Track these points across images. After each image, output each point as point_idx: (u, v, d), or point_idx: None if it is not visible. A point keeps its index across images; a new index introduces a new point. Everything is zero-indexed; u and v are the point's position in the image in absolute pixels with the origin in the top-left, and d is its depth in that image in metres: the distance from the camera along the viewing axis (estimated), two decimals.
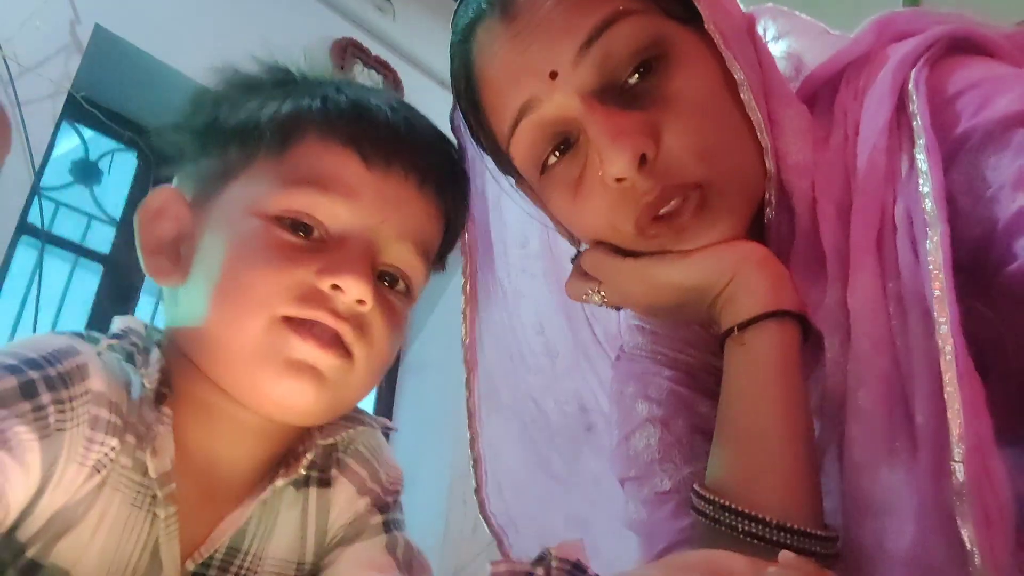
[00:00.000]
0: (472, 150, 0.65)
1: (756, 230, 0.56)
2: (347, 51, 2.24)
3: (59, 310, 1.93)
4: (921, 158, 0.48)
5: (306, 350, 0.51)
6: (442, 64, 2.53)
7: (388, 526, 0.60)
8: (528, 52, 0.53)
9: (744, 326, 0.52)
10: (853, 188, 0.52)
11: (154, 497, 0.51)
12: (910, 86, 0.50)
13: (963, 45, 0.54)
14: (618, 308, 0.64)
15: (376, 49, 2.32)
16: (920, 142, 0.48)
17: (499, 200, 0.68)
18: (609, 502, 0.69)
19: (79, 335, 0.53)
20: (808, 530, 0.47)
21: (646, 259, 0.56)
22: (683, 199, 0.52)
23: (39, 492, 0.47)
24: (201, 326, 0.53)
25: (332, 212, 0.53)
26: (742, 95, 0.52)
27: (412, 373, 2.41)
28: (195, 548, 0.53)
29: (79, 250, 1.94)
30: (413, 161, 0.57)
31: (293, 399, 0.52)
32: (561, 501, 0.73)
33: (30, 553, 0.48)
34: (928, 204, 0.46)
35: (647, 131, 0.50)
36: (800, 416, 0.50)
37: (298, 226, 0.53)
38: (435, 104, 2.27)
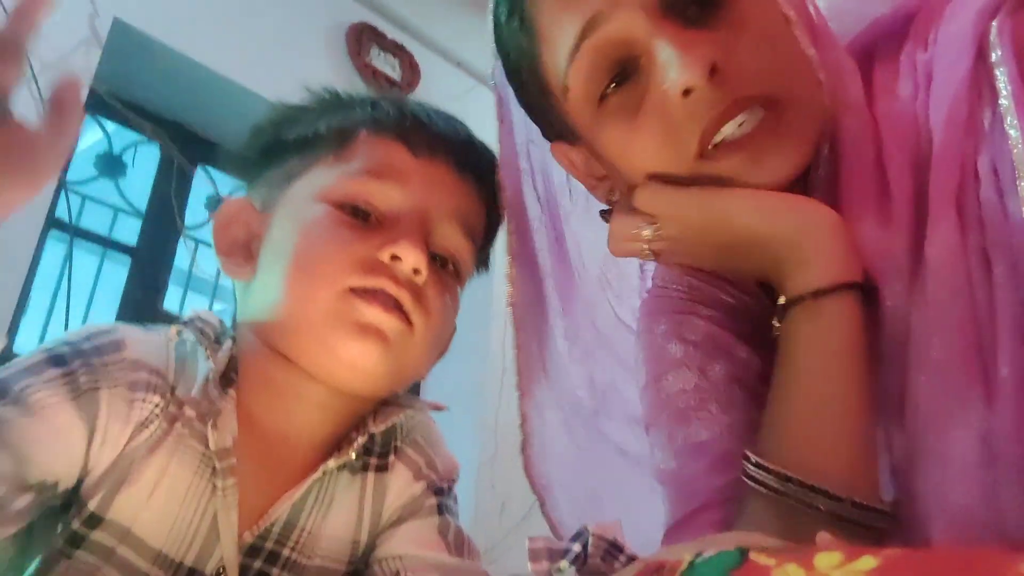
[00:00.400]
0: (513, 114, 0.64)
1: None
2: (363, 35, 2.24)
3: (89, 302, 1.96)
4: (1007, 106, 0.46)
5: (372, 313, 0.57)
6: (458, 46, 2.51)
7: (441, 509, 0.64)
8: None
9: (819, 295, 0.50)
10: (929, 139, 0.50)
11: (215, 469, 0.57)
12: (992, 37, 0.49)
13: None
14: (661, 259, 0.61)
15: (392, 33, 2.32)
16: (1005, 92, 0.47)
17: (546, 154, 0.67)
18: (619, 483, 0.69)
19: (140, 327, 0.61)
20: (873, 505, 0.47)
21: (717, 190, 0.53)
22: (754, 118, 0.50)
23: (88, 446, 0.53)
24: (274, 306, 0.59)
25: (386, 196, 0.60)
26: (795, 32, 0.51)
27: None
28: (254, 521, 0.58)
29: (107, 243, 1.97)
30: (454, 152, 0.64)
31: (361, 359, 0.57)
32: (584, 472, 0.72)
33: (92, 505, 0.54)
34: (1018, 154, 0.45)
35: (716, 43, 0.49)
36: (866, 390, 0.49)
37: (357, 212, 0.60)
38: (452, 86, 2.29)
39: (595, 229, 0.67)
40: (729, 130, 0.50)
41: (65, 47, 1.64)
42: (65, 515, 0.55)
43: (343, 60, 2.19)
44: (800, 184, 0.54)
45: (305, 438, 0.61)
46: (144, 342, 0.59)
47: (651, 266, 0.69)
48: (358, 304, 0.57)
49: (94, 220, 1.98)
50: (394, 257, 0.58)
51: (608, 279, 0.73)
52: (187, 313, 0.63)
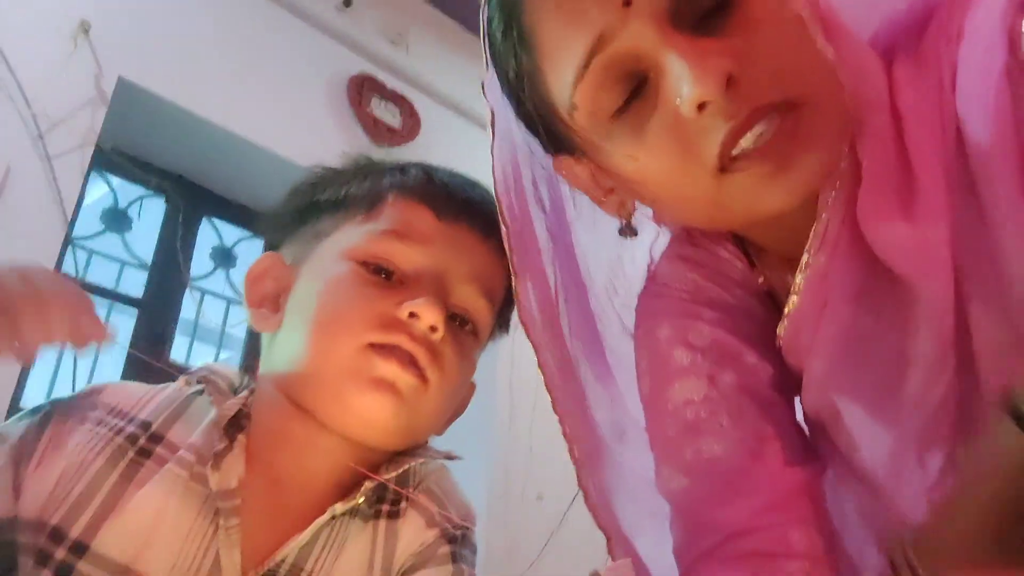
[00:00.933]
0: (512, 132, 0.61)
1: None
2: (363, 86, 2.29)
3: (96, 354, 1.97)
4: None
5: (387, 368, 0.59)
6: (458, 92, 2.55)
7: (455, 557, 0.63)
8: None
9: None
10: (957, 131, 0.47)
11: (218, 510, 0.58)
12: (1023, 29, 0.45)
13: None
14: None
15: (392, 83, 2.36)
16: None
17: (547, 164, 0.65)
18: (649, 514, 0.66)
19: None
20: None
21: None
22: (773, 122, 0.47)
23: (15, 468, 0.57)
24: (296, 358, 0.61)
25: (408, 256, 0.63)
26: (810, 30, 0.47)
27: None
28: (259, 562, 0.59)
29: (113, 296, 1.99)
30: (477, 216, 0.66)
31: (374, 412, 0.59)
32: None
33: (74, 533, 0.55)
34: None
35: (729, 52, 0.46)
36: None
37: (380, 270, 0.63)
38: (453, 131, 2.32)
39: (600, 236, 0.67)
40: (747, 142, 0.47)
41: (72, 105, 1.67)
42: (44, 553, 0.56)
43: (345, 111, 2.23)
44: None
45: (316, 483, 0.62)
46: (126, 389, 0.63)
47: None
48: (375, 359, 0.59)
49: (101, 274, 2.00)
50: (412, 314, 0.60)
51: (615, 287, 0.71)
52: (199, 365, 0.65)
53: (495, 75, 0.58)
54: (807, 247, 0.53)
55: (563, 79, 0.51)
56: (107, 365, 1.93)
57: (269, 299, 0.66)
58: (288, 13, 2.16)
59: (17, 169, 1.57)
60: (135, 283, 2.01)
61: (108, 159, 1.78)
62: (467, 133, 2.41)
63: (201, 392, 0.64)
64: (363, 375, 0.59)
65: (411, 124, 2.36)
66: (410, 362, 0.59)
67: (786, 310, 0.56)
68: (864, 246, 0.50)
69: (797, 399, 0.61)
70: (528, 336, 0.64)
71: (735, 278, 0.62)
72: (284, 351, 0.63)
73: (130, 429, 0.60)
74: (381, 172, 0.69)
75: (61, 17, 1.70)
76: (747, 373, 0.58)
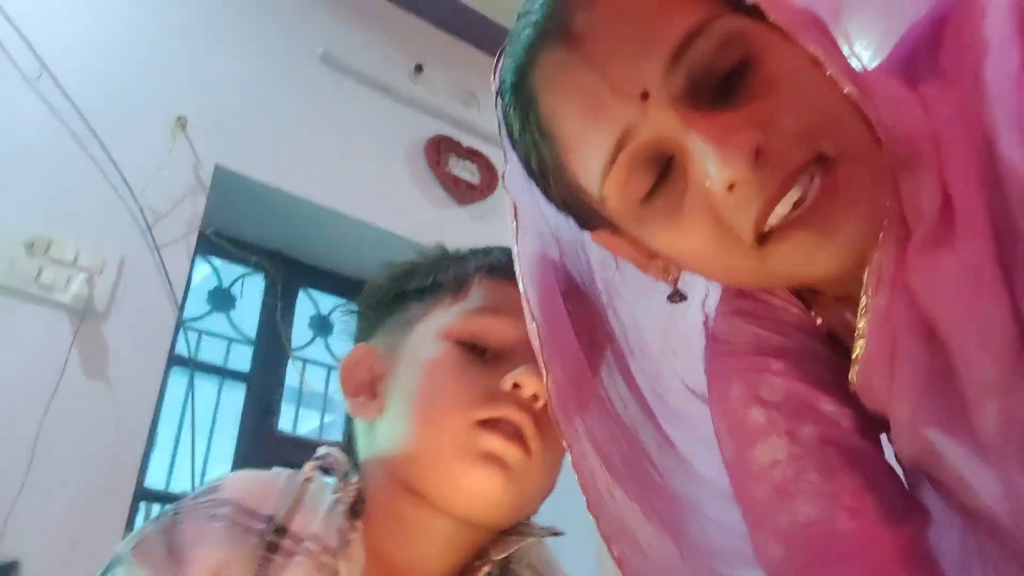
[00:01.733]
0: (537, 223, 0.62)
1: None
2: (440, 147, 2.35)
3: (211, 429, 2.06)
4: None
5: (494, 443, 0.60)
6: None
7: None
8: (611, 75, 0.47)
9: None
10: (988, 140, 0.44)
11: None
12: None
13: None
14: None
15: (467, 141, 2.42)
16: None
17: (583, 245, 0.67)
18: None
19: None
20: None
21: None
22: (813, 189, 0.45)
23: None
24: (403, 441, 0.62)
25: (502, 330, 0.65)
26: (828, 71, 0.46)
27: None
28: None
29: (223, 372, 2.08)
30: None
31: (483, 487, 0.60)
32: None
33: None
34: None
35: (754, 123, 0.45)
36: None
37: (475, 347, 0.64)
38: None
39: (650, 295, 0.64)
40: (784, 208, 0.46)
41: (175, 196, 1.78)
42: None
43: (425, 172, 2.29)
44: None
45: (430, 569, 0.63)
46: (244, 482, 0.62)
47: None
48: (481, 434, 0.60)
49: (211, 352, 2.10)
50: (515, 385, 0.61)
51: (673, 348, 0.70)
52: (319, 452, 0.66)
53: (516, 165, 0.58)
54: (863, 289, 0.50)
55: (590, 172, 0.50)
56: (222, 441, 2.01)
57: (365, 387, 0.68)
58: (364, 86, 2.25)
59: (130, 260, 1.68)
60: (242, 358, 2.10)
61: (210, 242, 1.87)
62: None
63: (311, 479, 0.64)
64: (471, 451, 0.60)
65: (489, 178, 2.41)
66: (515, 434, 0.60)
67: (854, 355, 0.53)
68: None
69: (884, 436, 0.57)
70: (562, 430, 0.60)
71: (793, 323, 0.59)
72: (389, 435, 0.64)
73: (258, 526, 0.59)
74: (465, 257, 0.72)
75: (160, 116, 1.82)
76: (827, 423, 0.55)
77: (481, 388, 0.61)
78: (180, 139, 1.83)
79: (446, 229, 2.21)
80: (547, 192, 0.57)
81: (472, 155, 2.42)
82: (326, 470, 0.65)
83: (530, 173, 0.57)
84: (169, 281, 1.70)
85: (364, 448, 0.68)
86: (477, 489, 0.60)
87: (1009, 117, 0.43)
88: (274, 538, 0.59)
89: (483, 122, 2.47)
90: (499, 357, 0.64)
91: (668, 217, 0.49)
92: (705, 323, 0.68)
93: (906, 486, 0.57)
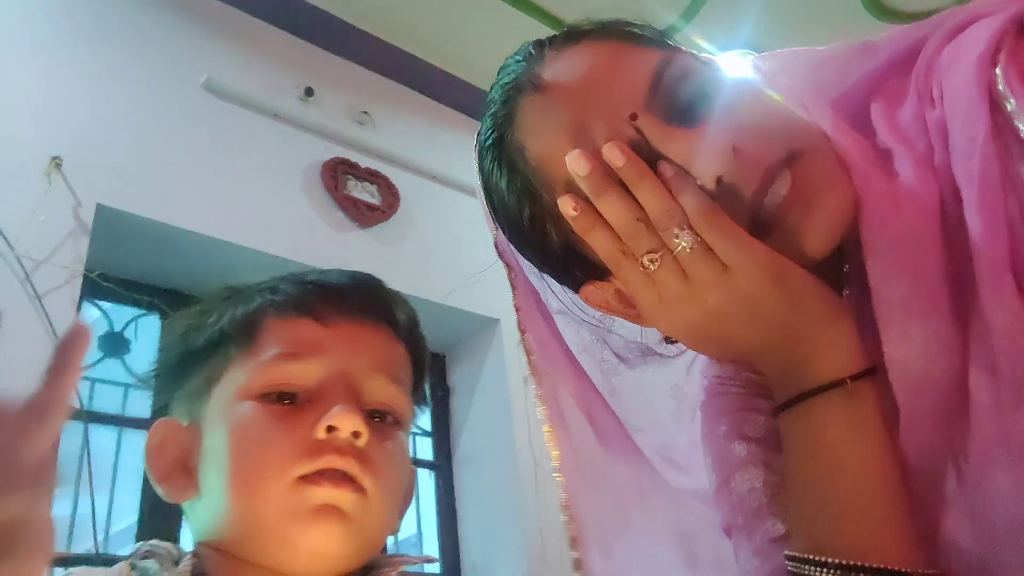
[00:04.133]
0: (526, 272, 0.64)
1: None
2: (337, 169, 2.31)
3: (113, 481, 1.94)
4: None
5: (323, 494, 0.56)
6: (430, 160, 2.58)
7: None
8: (594, 106, 0.53)
9: (794, 403, 0.51)
10: (956, 201, 0.48)
11: None
12: (1000, 86, 0.47)
13: None
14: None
15: (365, 161, 2.39)
16: None
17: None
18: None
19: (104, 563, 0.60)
20: (912, 571, 0.46)
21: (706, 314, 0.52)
22: (787, 177, 0.50)
23: None
24: (228, 515, 0.58)
25: (306, 373, 0.60)
26: (790, 106, 0.53)
27: (467, 466, 2.38)
28: None
29: (122, 420, 1.97)
30: (362, 308, 0.65)
31: (324, 543, 0.57)
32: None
33: None
34: None
35: (725, 132, 0.51)
36: (883, 484, 0.49)
37: (283, 396, 0.60)
38: (431, 197, 2.33)
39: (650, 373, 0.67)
40: (769, 202, 0.50)
41: (54, 240, 1.68)
42: None
43: (323, 196, 2.25)
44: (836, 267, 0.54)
45: None
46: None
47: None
48: (308, 489, 0.56)
49: (107, 400, 1.99)
50: (331, 428, 0.57)
51: (682, 411, 0.71)
52: (137, 546, 0.61)
53: (505, 228, 0.61)
54: None
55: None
56: (125, 494, 1.91)
57: (177, 468, 0.62)
58: (252, 112, 2.20)
59: (9, 312, 1.57)
60: (142, 404, 2.00)
61: (97, 285, 1.78)
62: (446, 197, 2.43)
63: (145, 571, 0.59)
64: (301, 510, 0.56)
65: (390, 199, 2.38)
66: (343, 479, 0.57)
67: None
68: None
69: None
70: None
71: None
72: (212, 513, 0.60)
73: None
74: (250, 297, 0.66)
75: (32, 157, 1.73)
76: None
77: (296, 442, 0.57)
78: (56, 180, 1.73)
79: (350, 252, 2.17)
80: (535, 259, 0.61)
81: (371, 176, 2.38)
82: (157, 556, 0.60)
83: (521, 233, 0.60)
84: (54, 330, 1.60)
85: (193, 529, 0.63)
86: (319, 547, 0.57)
87: (970, 182, 0.46)
88: None
89: (380, 142, 2.44)
90: (310, 400, 0.60)
91: None
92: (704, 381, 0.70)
93: None
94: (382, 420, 0.63)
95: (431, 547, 2.29)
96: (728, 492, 0.61)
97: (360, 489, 0.58)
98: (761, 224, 0.51)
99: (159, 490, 0.63)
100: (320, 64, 2.45)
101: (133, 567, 0.58)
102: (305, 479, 0.56)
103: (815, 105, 0.55)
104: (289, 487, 0.56)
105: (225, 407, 0.61)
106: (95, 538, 1.68)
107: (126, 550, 0.61)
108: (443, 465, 2.39)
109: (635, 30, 0.57)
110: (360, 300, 0.65)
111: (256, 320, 0.63)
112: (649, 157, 0.52)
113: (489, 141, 0.59)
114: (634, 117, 0.52)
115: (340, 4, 2.42)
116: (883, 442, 0.49)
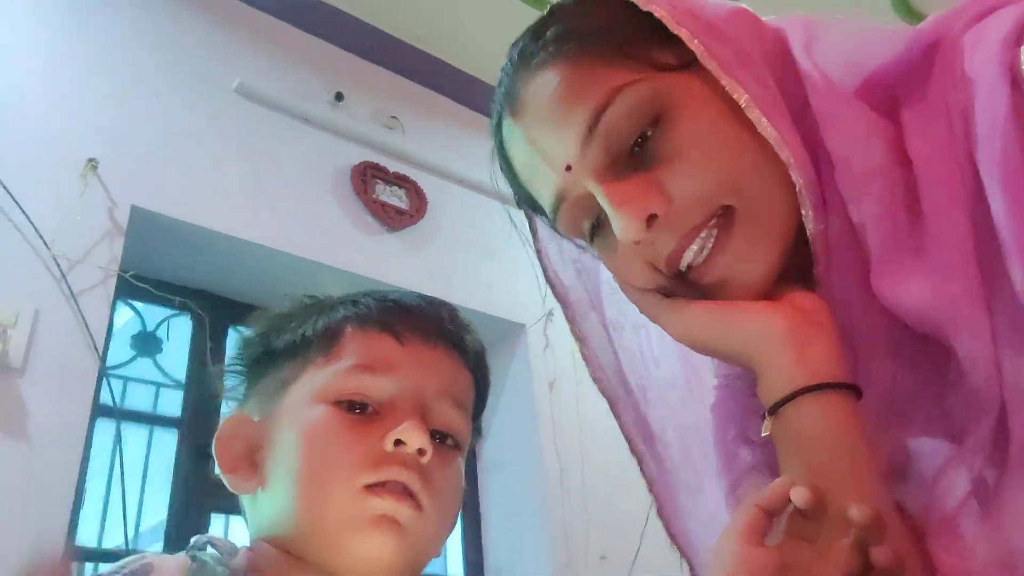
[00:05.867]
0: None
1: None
2: (366, 174, 2.33)
3: (144, 480, 1.97)
4: None
5: (384, 505, 0.58)
6: (458, 164, 2.59)
7: None
8: (542, 148, 0.56)
9: (775, 409, 0.51)
10: (977, 182, 0.47)
11: None
12: (1022, 67, 0.46)
13: None
14: None
15: (393, 166, 2.40)
16: None
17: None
18: None
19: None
20: None
21: (684, 305, 0.56)
22: (710, 239, 0.52)
23: None
24: (289, 513, 0.60)
25: (380, 387, 0.62)
26: (749, 115, 0.51)
27: (492, 472, 2.38)
28: None
29: (152, 419, 2.00)
30: (438, 332, 0.67)
31: (380, 551, 0.58)
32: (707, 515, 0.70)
33: None
34: None
35: (652, 190, 0.52)
36: (866, 486, 0.48)
37: (354, 406, 0.62)
38: (458, 202, 2.35)
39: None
40: (689, 258, 0.54)
41: (90, 241, 1.72)
42: None
43: (352, 200, 2.26)
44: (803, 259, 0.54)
45: None
46: (169, 564, 0.59)
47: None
48: (370, 499, 0.58)
49: (138, 399, 2.02)
50: (398, 442, 0.59)
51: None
52: (196, 538, 0.63)
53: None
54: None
55: (547, 208, 0.60)
56: (155, 491, 1.93)
57: (243, 460, 0.65)
58: (283, 116, 2.22)
59: (45, 311, 1.60)
60: (173, 402, 2.03)
61: (131, 285, 1.81)
62: (473, 202, 2.44)
63: (204, 563, 0.60)
64: (361, 518, 0.58)
65: (418, 203, 2.40)
66: (404, 492, 0.59)
67: None
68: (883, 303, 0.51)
69: None
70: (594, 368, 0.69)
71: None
72: (275, 509, 0.62)
73: None
74: (333, 307, 0.68)
75: (69, 158, 1.76)
76: None
77: (364, 451, 0.59)
78: (92, 182, 1.76)
79: (378, 256, 2.19)
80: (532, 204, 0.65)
81: (400, 180, 2.40)
82: (216, 548, 0.62)
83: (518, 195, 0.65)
84: (88, 329, 1.63)
85: (251, 524, 0.65)
86: (373, 555, 0.58)
87: (991, 162, 0.46)
88: None
89: (409, 147, 2.46)
90: (380, 413, 0.62)
91: (608, 253, 0.58)
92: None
93: None
94: (443, 443, 0.65)
95: (455, 552, 2.30)
96: (736, 498, 0.62)
97: (419, 505, 0.59)
98: (675, 275, 0.55)
99: (224, 480, 0.65)
100: (350, 69, 2.47)
101: (194, 558, 0.60)
102: (369, 489, 0.58)
103: (831, 90, 0.53)
104: (353, 494, 0.58)
105: (299, 409, 0.63)
106: (125, 535, 1.70)
107: (155, 548, 0.62)
108: (467, 471, 2.39)
109: (598, 41, 0.55)
110: (436, 324, 0.68)
111: (337, 329, 0.66)
112: (592, 203, 0.55)
113: (494, 136, 0.63)
114: (568, 168, 0.55)
115: (370, 10, 2.44)
116: (863, 444, 0.50)
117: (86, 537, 1.78)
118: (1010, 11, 0.49)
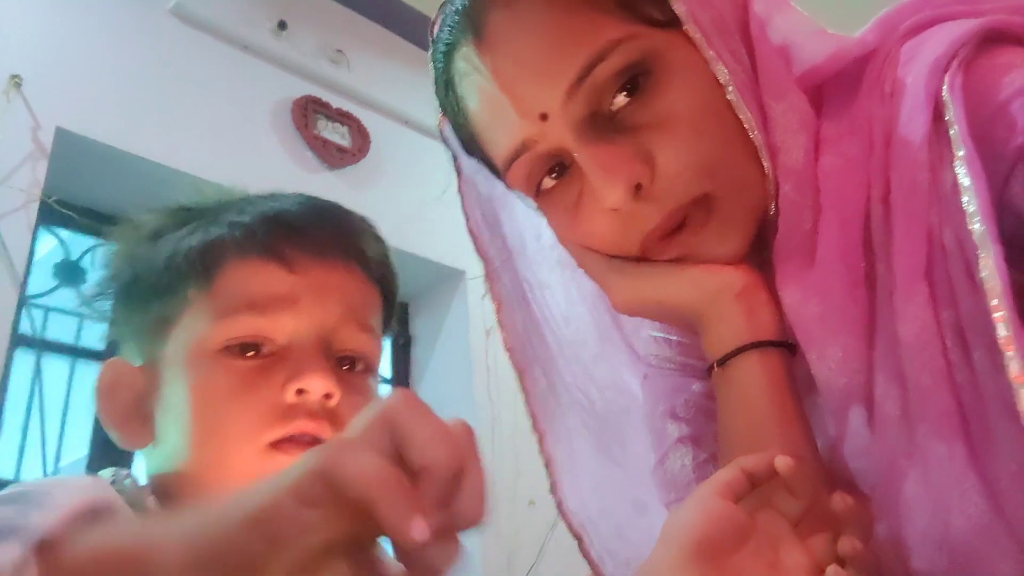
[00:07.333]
0: (467, 161, 0.63)
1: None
2: (308, 108, 2.26)
3: (64, 412, 1.92)
4: (962, 172, 0.43)
5: (292, 460, 0.53)
6: (404, 104, 2.54)
7: None
8: (515, 92, 0.51)
9: (724, 360, 0.52)
10: (886, 203, 0.48)
11: None
12: (944, 94, 0.46)
13: (997, 37, 0.48)
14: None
15: (336, 102, 2.34)
16: (960, 155, 0.43)
17: (507, 198, 0.66)
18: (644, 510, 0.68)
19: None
20: None
21: (637, 265, 0.55)
22: (689, 215, 0.51)
23: None
24: (189, 470, 0.55)
25: (273, 327, 0.56)
26: (728, 97, 0.50)
27: None
28: None
29: (75, 351, 1.94)
30: (330, 248, 0.60)
31: None
32: (625, 486, 0.70)
33: None
34: (976, 225, 0.42)
35: (639, 159, 0.49)
36: (798, 442, 0.50)
37: (247, 348, 0.55)
38: (403, 142, 2.31)
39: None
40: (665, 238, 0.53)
41: (11, 163, 1.63)
42: None
43: (292, 135, 2.20)
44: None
45: None
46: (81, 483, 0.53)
47: None
48: (279, 457, 0.53)
49: (60, 330, 1.95)
50: (300, 391, 0.54)
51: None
52: (116, 470, 0.57)
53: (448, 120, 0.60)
54: None
55: (497, 158, 0.55)
56: (76, 424, 1.89)
57: (132, 412, 0.58)
58: (223, 42, 2.13)
59: None
60: (96, 335, 1.97)
61: (54, 212, 1.73)
62: (418, 144, 2.39)
63: (124, 488, 0.56)
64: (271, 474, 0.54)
65: (361, 141, 2.34)
66: (313, 444, 0.53)
67: None
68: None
69: None
70: (509, 336, 0.67)
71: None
72: (172, 463, 0.56)
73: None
74: (206, 228, 0.59)
75: None
76: None
77: (264, 405, 0.54)
78: (15, 100, 1.67)
79: (317, 194, 2.12)
80: (465, 144, 0.60)
81: (343, 117, 2.34)
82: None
83: (455, 131, 0.60)
84: (9, 255, 1.56)
85: (148, 468, 0.59)
86: None
87: (911, 185, 0.46)
88: None
89: (354, 83, 2.39)
90: (277, 354, 0.56)
91: (566, 209, 0.54)
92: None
93: None
94: (352, 368, 0.60)
95: None
96: (663, 471, 0.63)
97: None
98: (649, 246, 0.53)
99: (112, 436, 0.59)
100: None
101: (114, 482, 0.55)
102: (275, 445, 0.53)
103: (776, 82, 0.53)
104: (258, 453, 0.53)
105: (185, 357, 0.56)
106: (44, 469, 1.66)
107: None
108: None
109: None
110: (329, 238, 0.60)
111: (215, 259, 0.57)
112: (556, 159, 0.52)
113: (436, 63, 0.57)
114: (544, 117, 0.50)
115: None
116: (796, 399, 0.52)
117: (3, 469, 1.73)
118: (948, 30, 0.49)
